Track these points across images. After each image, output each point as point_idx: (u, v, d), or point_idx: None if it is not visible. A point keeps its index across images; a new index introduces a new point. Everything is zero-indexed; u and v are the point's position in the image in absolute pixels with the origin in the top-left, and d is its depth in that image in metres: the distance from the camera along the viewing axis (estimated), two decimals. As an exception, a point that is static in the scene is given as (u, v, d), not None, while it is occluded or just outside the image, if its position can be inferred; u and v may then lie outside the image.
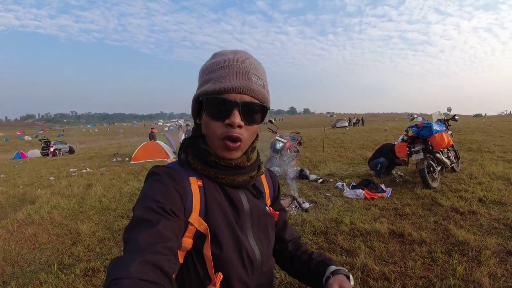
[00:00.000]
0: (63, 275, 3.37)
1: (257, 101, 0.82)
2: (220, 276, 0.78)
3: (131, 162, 13.36)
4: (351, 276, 0.91)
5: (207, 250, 0.78)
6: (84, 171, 11.37)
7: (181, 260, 0.77)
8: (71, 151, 23.87)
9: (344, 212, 4.92)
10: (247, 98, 0.80)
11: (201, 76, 0.87)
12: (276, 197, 1.07)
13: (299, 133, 11.65)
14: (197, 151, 0.87)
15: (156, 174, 0.80)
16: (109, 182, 8.46)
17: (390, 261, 3.31)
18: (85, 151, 23.89)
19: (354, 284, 0.99)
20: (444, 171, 6.79)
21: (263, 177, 1.04)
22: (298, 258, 1.05)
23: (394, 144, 7.27)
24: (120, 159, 14.97)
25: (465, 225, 4.10)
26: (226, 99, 0.78)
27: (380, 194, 5.70)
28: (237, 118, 0.78)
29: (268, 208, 0.98)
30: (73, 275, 3.34)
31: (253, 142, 0.90)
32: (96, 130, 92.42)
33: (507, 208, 4.58)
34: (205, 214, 0.80)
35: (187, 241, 0.77)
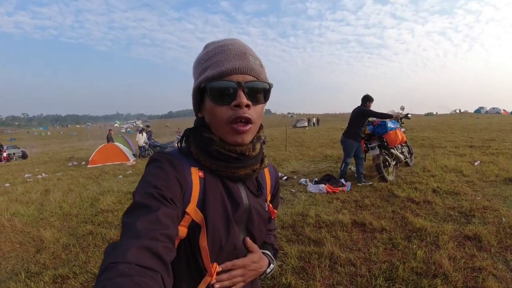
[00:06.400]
0: (32, 283, 3.19)
1: (259, 80, 0.81)
2: (216, 266, 0.79)
3: (88, 166, 12.70)
4: (272, 265, 0.97)
5: (203, 241, 0.77)
6: (40, 176, 10.66)
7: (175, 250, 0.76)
8: (24, 156, 22.37)
9: (309, 206, 5.08)
10: (249, 78, 0.79)
11: (197, 67, 0.85)
12: (276, 193, 1.06)
13: (263, 132, 11.79)
14: (200, 141, 0.84)
15: (157, 161, 0.78)
16: (68, 187, 8.02)
17: (355, 248, 3.48)
18: (38, 155, 22.35)
19: (275, 270, 1.04)
20: (398, 166, 7.21)
21: (266, 171, 1.01)
22: None
23: None
24: (76, 163, 14.20)
25: (421, 213, 4.39)
26: (229, 81, 0.77)
27: (340, 188, 5.95)
28: (243, 98, 0.76)
29: (267, 206, 0.97)
30: (42, 282, 3.16)
31: (258, 131, 0.88)
32: (48, 133, 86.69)
33: (461, 198, 4.96)
34: (203, 205, 0.78)
35: (182, 230, 0.75)
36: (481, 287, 2.62)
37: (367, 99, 6.64)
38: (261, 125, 0.89)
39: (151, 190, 0.69)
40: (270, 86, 0.84)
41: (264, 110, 0.87)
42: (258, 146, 0.88)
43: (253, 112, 0.79)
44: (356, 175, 6.59)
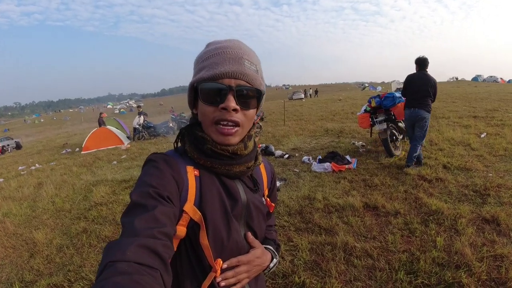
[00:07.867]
0: (26, 294, 2.95)
1: (251, 86, 0.80)
2: (220, 262, 0.79)
3: (81, 152, 12.33)
4: (274, 259, 0.98)
5: (204, 239, 0.77)
6: (33, 167, 10.31)
7: (174, 248, 0.75)
8: (18, 146, 21.91)
9: (315, 187, 4.83)
10: (241, 83, 0.79)
11: (196, 65, 0.86)
12: (272, 188, 1.06)
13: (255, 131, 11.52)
14: (194, 140, 0.84)
15: (153, 161, 0.79)
16: (61, 178, 7.70)
17: (369, 236, 3.25)
18: (32, 144, 21.95)
19: (278, 263, 1.02)
20: (405, 139, 6.93)
21: (261, 167, 1.02)
22: None
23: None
24: (70, 150, 13.75)
25: (434, 193, 4.16)
26: (220, 84, 0.78)
27: (346, 166, 5.70)
28: (232, 102, 0.77)
29: (264, 200, 0.97)
30: (36, 293, 2.93)
31: (249, 130, 0.88)
32: (42, 120, 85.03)
33: (473, 174, 4.73)
34: (200, 204, 0.78)
35: (181, 230, 0.75)
36: (504, 278, 2.42)
37: (427, 63, 5.27)
38: (253, 123, 0.90)
39: (147, 189, 0.70)
40: (263, 92, 0.85)
41: (256, 113, 0.87)
42: (250, 144, 0.89)
43: (241, 116, 0.80)
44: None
